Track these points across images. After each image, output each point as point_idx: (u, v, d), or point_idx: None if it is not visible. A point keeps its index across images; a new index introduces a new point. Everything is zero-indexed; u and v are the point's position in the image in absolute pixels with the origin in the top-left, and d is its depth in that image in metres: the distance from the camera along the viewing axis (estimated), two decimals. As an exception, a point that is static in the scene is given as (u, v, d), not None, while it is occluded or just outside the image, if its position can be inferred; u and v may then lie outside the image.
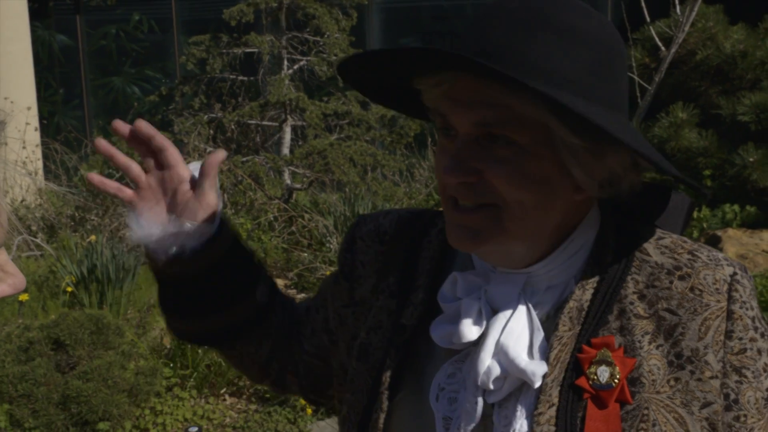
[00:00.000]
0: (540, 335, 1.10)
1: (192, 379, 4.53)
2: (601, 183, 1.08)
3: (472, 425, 1.11)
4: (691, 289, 1.09)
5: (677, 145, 6.89)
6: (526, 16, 1.04)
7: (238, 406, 4.60)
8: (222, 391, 4.66)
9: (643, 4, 7.41)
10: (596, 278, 1.11)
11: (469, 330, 1.11)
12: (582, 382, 1.07)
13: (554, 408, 1.07)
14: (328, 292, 1.34)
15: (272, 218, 6.52)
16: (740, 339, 1.08)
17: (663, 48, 7.31)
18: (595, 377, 1.06)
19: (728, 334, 1.08)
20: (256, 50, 7.55)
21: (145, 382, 4.17)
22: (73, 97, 10.38)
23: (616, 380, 1.05)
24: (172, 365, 4.59)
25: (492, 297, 1.13)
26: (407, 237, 1.25)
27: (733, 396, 1.07)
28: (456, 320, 1.12)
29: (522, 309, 1.11)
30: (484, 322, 1.11)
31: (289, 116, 7.44)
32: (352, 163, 6.74)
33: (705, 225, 6.37)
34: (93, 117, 10.20)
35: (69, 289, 5.25)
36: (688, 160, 6.91)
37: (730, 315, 1.08)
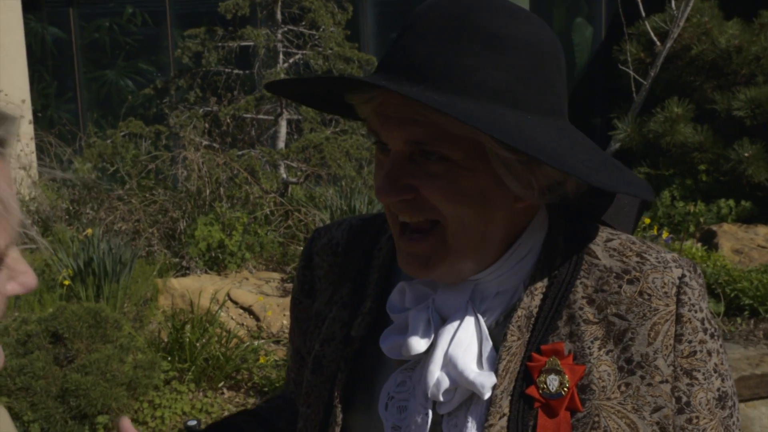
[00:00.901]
0: (489, 345, 1.10)
1: (190, 373, 4.53)
2: (542, 191, 1.06)
3: None
4: (640, 293, 1.08)
5: (672, 140, 6.91)
6: (451, 25, 1.01)
7: (236, 399, 4.60)
8: (220, 385, 4.65)
9: (638, -1, 7.42)
10: (545, 283, 1.10)
11: (417, 342, 1.09)
12: (532, 391, 1.06)
13: (505, 418, 1.06)
14: (294, 324, 1.33)
15: (268, 212, 6.52)
16: (690, 342, 1.08)
17: (658, 43, 7.32)
18: (545, 386, 1.05)
19: (678, 338, 1.07)
20: (251, 44, 7.53)
21: (143, 375, 4.16)
22: (66, 90, 10.32)
23: (565, 389, 1.05)
24: (170, 359, 4.58)
25: (440, 306, 1.12)
26: (359, 246, 1.24)
27: (684, 399, 1.08)
28: (404, 331, 1.12)
29: (470, 318, 1.10)
30: (433, 333, 1.10)
31: (284, 110, 7.42)
32: (348, 157, 6.74)
33: (701, 220, 6.39)
34: (86, 110, 10.15)
35: (66, 282, 5.23)
36: (683, 155, 6.93)
37: (679, 318, 1.08)
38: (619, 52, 7.63)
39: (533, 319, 1.09)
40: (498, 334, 1.11)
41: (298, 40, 7.68)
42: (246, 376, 4.72)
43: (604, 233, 1.14)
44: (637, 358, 1.07)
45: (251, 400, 4.55)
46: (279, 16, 7.60)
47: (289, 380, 1.38)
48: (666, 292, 1.08)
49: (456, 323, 1.10)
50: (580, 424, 1.05)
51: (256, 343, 4.89)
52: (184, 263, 6.06)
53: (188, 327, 4.73)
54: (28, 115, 8.52)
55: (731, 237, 6.05)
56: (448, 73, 1.00)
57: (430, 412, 1.10)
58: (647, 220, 6.18)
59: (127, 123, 7.50)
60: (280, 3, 7.53)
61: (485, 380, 1.06)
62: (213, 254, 6.02)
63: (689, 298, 1.08)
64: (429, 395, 1.09)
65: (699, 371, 1.08)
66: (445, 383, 1.08)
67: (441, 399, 1.08)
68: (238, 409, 4.46)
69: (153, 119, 8.11)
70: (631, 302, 1.08)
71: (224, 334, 4.81)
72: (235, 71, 7.85)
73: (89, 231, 5.74)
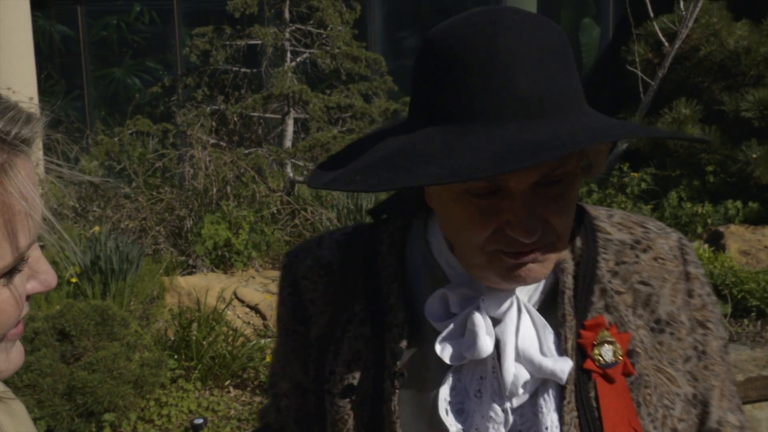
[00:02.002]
0: (550, 331, 1.12)
1: (197, 371, 4.53)
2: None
3: (504, 431, 1.11)
4: (655, 259, 1.17)
5: (680, 141, 6.89)
6: (528, 52, 1.00)
7: (243, 397, 4.60)
8: (226, 383, 4.66)
9: (646, 0, 7.40)
10: (572, 263, 1.16)
11: (486, 343, 1.10)
12: (589, 365, 1.11)
13: (573, 394, 1.11)
14: (290, 357, 1.26)
15: (275, 211, 6.52)
16: (700, 296, 1.18)
17: (666, 43, 7.30)
18: (601, 358, 1.11)
19: (690, 293, 1.17)
20: (259, 42, 7.53)
21: (150, 373, 4.16)
22: (73, 87, 10.34)
23: (619, 357, 1.11)
24: (176, 357, 4.59)
25: (488, 306, 1.12)
26: (357, 260, 1.22)
27: (701, 348, 1.17)
28: (464, 336, 1.12)
29: (523, 310, 1.13)
30: (493, 332, 1.11)
31: (291, 109, 7.43)
32: (354, 156, 6.73)
33: (709, 221, 6.37)
34: (93, 108, 10.17)
35: (73, 280, 5.24)
36: (690, 156, 6.92)
37: (687, 276, 1.18)
38: (627, 53, 7.61)
39: (572, 298, 1.14)
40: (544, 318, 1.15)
41: (305, 39, 7.69)
42: (252, 374, 4.72)
43: (601, 211, 1.22)
44: (665, 318, 1.15)
45: (257, 398, 4.56)
46: (287, 14, 7.60)
47: (287, 422, 1.29)
48: (674, 255, 1.18)
49: (514, 317, 1.12)
50: (634, 386, 1.12)
51: (262, 341, 4.89)
52: (190, 261, 6.06)
53: (195, 325, 4.74)
54: (36, 112, 8.52)
55: (738, 238, 6.03)
56: (558, 99, 1.00)
57: (507, 407, 1.11)
58: (654, 221, 6.16)
59: (135, 121, 7.51)
60: (288, 2, 7.53)
61: (564, 366, 1.10)
62: (220, 253, 6.03)
63: (691, 258, 1.19)
64: (507, 392, 1.10)
65: (710, 321, 1.18)
66: (524, 376, 1.10)
67: (520, 392, 1.11)
68: (245, 408, 4.47)
69: (160, 117, 8.13)
70: (651, 268, 1.17)
71: (231, 332, 4.82)
72: (243, 70, 7.86)
73: (96, 229, 5.75)
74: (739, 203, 6.55)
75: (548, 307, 1.15)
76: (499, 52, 0.99)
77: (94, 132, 8.23)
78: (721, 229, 6.17)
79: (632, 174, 6.94)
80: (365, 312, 1.18)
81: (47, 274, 0.95)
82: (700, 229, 6.28)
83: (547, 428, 1.10)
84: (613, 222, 1.20)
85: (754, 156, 6.50)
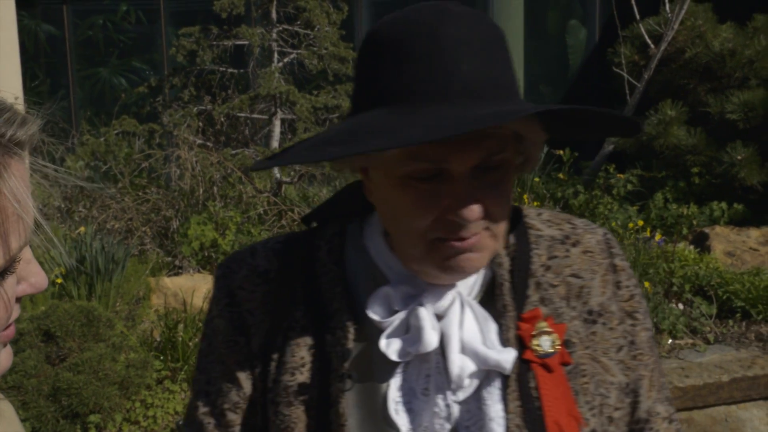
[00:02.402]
0: (491, 323, 1.14)
1: (182, 372, 4.52)
2: None
3: (449, 426, 1.13)
4: (584, 252, 1.21)
5: (666, 143, 6.93)
6: (470, 40, 1.04)
7: (229, 399, 4.59)
8: (212, 384, 4.64)
9: (632, 2, 7.44)
10: (507, 258, 1.19)
11: (431, 337, 1.11)
12: (528, 355, 1.14)
13: (515, 383, 1.13)
14: (234, 370, 1.22)
15: (261, 212, 6.51)
16: (627, 287, 1.22)
17: (652, 45, 7.34)
18: (539, 347, 1.14)
19: (617, 285, 1.21)
20: (246, 43, 7.52)
21: (135, 374, 4.15)
22: (59, 87, 10.28)
23: (557, 347, 1.15)
24: (162, 358, 4.57)
25: (432, 301, 1.14)
26: (295, 268, 1.22)
27: (630, 338, 1.21)
28: (408, 332, 1.13)
29: (465, 304, 1.15)
30: (437, 326, 1.13)
31: (278, 109, 7.42)
32: (341, 156, 6.72)
33: (694, 222, 6.40)
34: (79, 108, 10.12)
35: (59, 280, 5.22)
36: (676, 158, 6.95)
37: (614, 268, 1.22)
38: (613, 55, 7.64)
39: (511, 290, 1.17)
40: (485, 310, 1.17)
41: (292, 40, 7.68)
42: (238, 375, 4.71)
43: (530, 210, 1.25)
44: (597, 309, 1.19)
45: (243, 400, 4.54)
46: (274, 15, 7.59)
47: None
48: (602, 249, 1.22)
49: (457, 312, 1.14)
50: (571, 375, 1.15)
51: (248, 342, 4.88)
52: (176, 262, 6.05)
53: (181, 326, 4.72)
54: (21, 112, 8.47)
55: (723, 239, 6.06)
56: (498, 84, 1.04)
57: (451, 401, 1.12)
58: (640, 222, 6.19)
59: (121, 121, 7.48)
60: (275, 2, 7.52)
61: (508, 356, 1.12)
62: (206, 253, 6.01)
63: (617, 250, 1.23)
64: (453, 385, 1.12)
65: (638, 312, 1.21)
66: (470, 368, 1.12)
67: (465, 384, 1.12)
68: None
69: (146, 118, 8.09)
70: (582, 262, 1.20)
71: (217, 333, 4.80)
72: (230, 70, 7.84)
73: (82, 229, 5.72)
74: (724, 204, 6.59)
75: (487, 301, 1.17)
76: (442, 38, 1.03)
77: (79, 132, 8.19)
78: (707, 230, 6.20)
79: (618, 175, 6.97)
80: (307, 318, 1.18)
81: (38, 277, 0.95)
82: (685, 230, 6.31)
83: (491, 419, 1.11)
84: (542, 219, 1.23)
85: (739, 158, 6.54)
